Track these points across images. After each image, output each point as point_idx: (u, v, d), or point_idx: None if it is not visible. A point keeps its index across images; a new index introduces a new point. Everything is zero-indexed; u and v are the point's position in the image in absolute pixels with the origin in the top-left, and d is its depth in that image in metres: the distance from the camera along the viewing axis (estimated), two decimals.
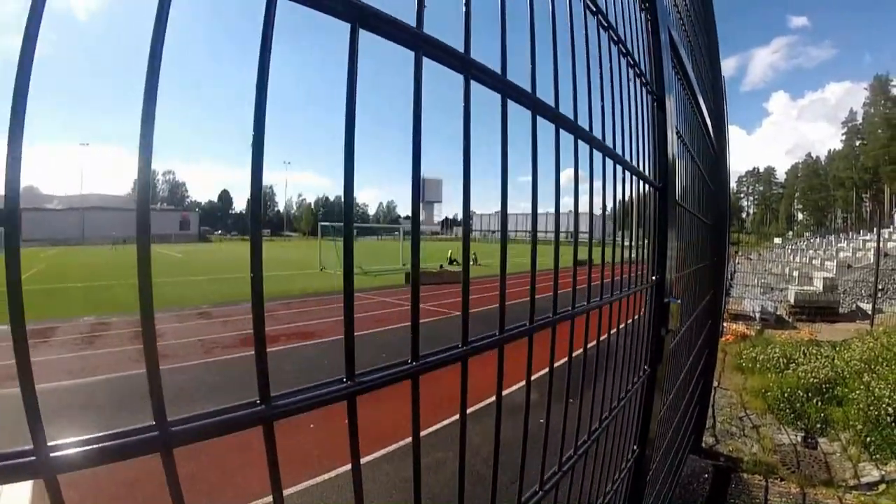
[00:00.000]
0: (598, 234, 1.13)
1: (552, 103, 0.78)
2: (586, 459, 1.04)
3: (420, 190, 0.56)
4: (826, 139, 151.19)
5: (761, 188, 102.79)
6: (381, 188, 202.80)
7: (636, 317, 1.42)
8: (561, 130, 0.83)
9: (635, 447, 1.48)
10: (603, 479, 1.20)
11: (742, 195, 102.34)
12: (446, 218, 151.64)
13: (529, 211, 0.78)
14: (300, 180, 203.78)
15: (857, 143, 76.73)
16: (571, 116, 0.85)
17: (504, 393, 0.78)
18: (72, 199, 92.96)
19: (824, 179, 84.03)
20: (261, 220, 0.44)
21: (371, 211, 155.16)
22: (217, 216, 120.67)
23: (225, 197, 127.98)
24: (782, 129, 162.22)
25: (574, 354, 1.05)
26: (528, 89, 0.75)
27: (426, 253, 29.28)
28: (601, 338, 1.12)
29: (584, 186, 0.97)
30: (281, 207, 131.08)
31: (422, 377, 0.58)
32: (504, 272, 0.74)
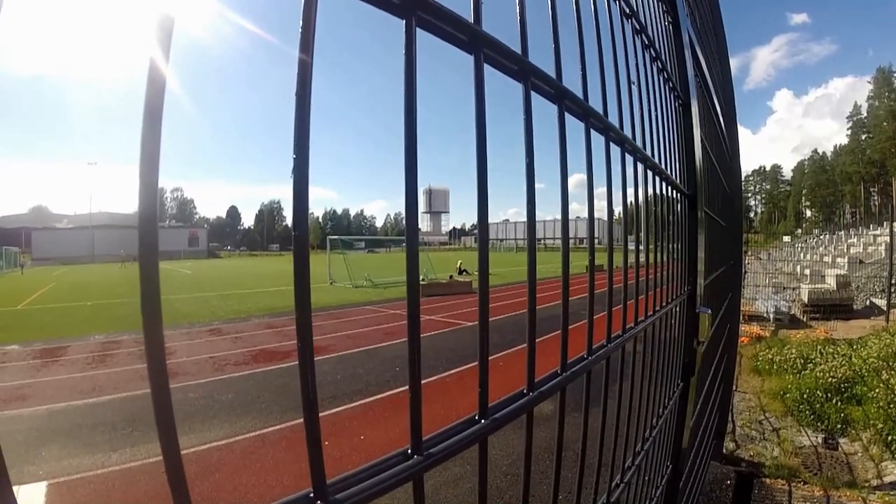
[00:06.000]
0: (631, 245, 1.09)
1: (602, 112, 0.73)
2: (629, 488, 0.99)
3: (485, 209, 0.50)
4: (832, 135, 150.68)
5: (768, 187, 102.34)
6: (389, 200, 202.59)
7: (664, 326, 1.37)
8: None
9: (668, 463, 1.43)
10: (641, 501, 1.15)
11: (749, 194, 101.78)
12: (454, 228, 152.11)
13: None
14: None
15: (863, 136, 76.37)
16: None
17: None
18: (81, 218, 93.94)
19: (831, 175, 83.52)
20: (308, 270, 0.38)
21: (379, 223, 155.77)
22: (226, 232, 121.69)
23: (233, 213, 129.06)
24: (787, 126, 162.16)
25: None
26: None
27: (435, 264, 29.45)
28: (638, 354, 1.08)
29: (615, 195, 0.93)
30: (289, 222, 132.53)
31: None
32: (566, 302, 0.68)
